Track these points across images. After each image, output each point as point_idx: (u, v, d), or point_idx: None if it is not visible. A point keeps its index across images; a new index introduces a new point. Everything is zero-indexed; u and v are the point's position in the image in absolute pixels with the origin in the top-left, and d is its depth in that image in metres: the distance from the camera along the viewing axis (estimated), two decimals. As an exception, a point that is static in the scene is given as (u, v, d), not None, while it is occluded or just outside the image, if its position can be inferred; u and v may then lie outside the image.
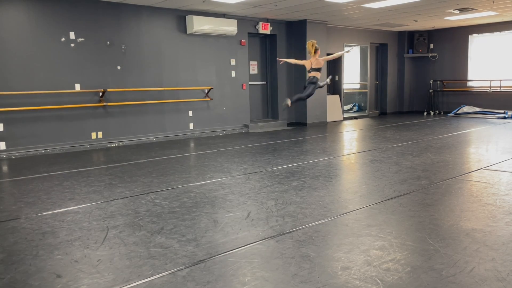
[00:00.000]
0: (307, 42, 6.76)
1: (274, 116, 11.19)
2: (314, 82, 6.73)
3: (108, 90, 8.05)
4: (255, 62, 10.88)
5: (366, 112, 13.40)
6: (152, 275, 2.60)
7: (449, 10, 9.95)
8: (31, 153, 7.33)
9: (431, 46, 13.70)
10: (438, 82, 13.66)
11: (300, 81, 11.04)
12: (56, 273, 2.68)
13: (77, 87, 7.78)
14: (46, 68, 7.42)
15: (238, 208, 3.94)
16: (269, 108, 11.29)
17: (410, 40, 13.89)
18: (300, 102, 11.12)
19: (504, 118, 11.45)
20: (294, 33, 11.05)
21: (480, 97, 12.78)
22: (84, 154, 7.40)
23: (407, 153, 6.57)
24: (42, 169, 6.05)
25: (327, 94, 11.77)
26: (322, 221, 3.50)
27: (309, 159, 6.36)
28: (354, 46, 12.82)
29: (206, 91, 9.54)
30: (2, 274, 2.69)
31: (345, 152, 7.18)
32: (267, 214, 3.74)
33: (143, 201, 4.27)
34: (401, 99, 14.24)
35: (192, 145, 8.24)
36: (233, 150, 7.41)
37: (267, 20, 10.48)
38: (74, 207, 4.11)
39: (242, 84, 10.25)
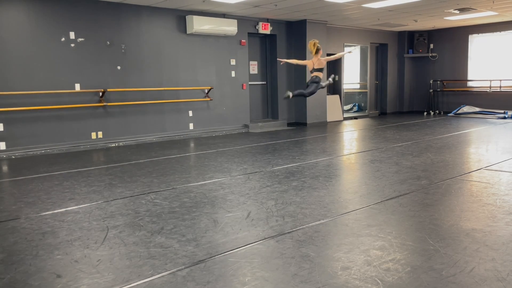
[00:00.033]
0: (309, 42, 6.74)
1: (274, 116, 11.19)
2: (316, 81, 6.72)
3: (108, 90, 8.05)
4: (255, 62, 10.88)
5: (366, 112, 13.40)
6: (152, 275, 2.60)
7: (449, 10, 9.95)
8: (31, 153, 7.33)
9: (431, 46, 13.70)
10: (438, 82, 13.66)
11: (300, 81, 11.04)
12: (56, 273, 2.68)
13: (77, 87, 7.78)
14: (46, 68, 7.42)
15: (238, 208, 3.94)
16: (269, 108, 11.29)
17: (410, 40, 13.89)
18: (300, 102, 11.15)
19: (504, 118, 11.45)
20: (294, 33, 11.05)
21: (480, 97, 12.79)
22: (84, 154, 7.40)
23: (407, 153, 6.57)
24: (42, 169, 6.05)
25: (327, 94, 11.77)
26: (322, 221, 3.50)
27: (309, 159, 6.36)
28: (355, 46, 12.84)
29: (206, 91, 9.54)
30: (2, 274, 2.69)
31: (345, 152, 7.18)
32: (267, 214, 3.74)
33: (143, 201, 4.27)
34: (401, 99, 14.24)
35: (192, 145, 8.24)
36: (233, 150, 7.41)
37: (267, 20, 10.48)
38: (74, 207, 4.11)
39: (242, 84, 10.25)
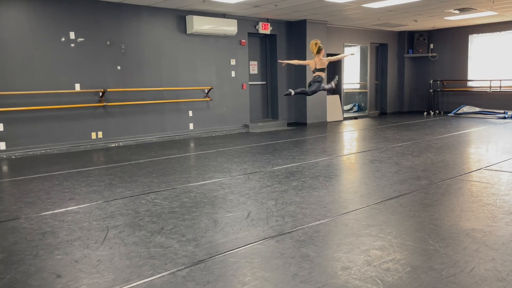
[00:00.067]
0: (310, 42, 6.73)
1: (274, 116, 11.19)
2: (319, 81, 6.70)
3: (108, 90, 8.05)
4: (255, 62, 10.88)
5: (366, 112, 13.40)
6: (152, 275, 2.60)
7: (449, 10, 9.95)
8: (31, 153, 7.33)
9: (431, 46, 13.70)
10: (438, 82, 13.66)
11: (301, 81, 11.04)
12: (56, 273, 2.68)
13: (77, 87, 7.78)
14: (46, 68, 7.42)
15: (238, 208, 3.94)
16: (269, 108, 11.29)
17: (410, 40, 13.89)
18: (300, 102, 11.14)
19: (504, 118, 11.45)
20: (294, 33, 11.05)
21: (480, 97, 12.79)
22: (84, 154, 7.40)
23: (407, 153, 6.57)
24: (42, 169, 6.05)
25: (327, 94, 11.77)
26: (322, 221, 3.50)
27: (309, 159, 6.36)
28: (356, 46, 12.84)
29: (206, 91, 9.54)
30: (2, 274, 2.69)
31: (345, 152, 7.18)
32: (267, 214, 3.74)
33: (143, 201, 4.27)
34: (401, 99, 14.24)
35: (192, 145, 8.24)
36: (233, 150, 7.41)
37: (267, 20, 10.48)
38: (74, 207, 4.11)
39: (242, 84, 10.25)
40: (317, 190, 4.50)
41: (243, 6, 8.79)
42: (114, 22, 8.14)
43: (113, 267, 2.72)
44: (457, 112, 12.66)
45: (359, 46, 12.92)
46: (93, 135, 8.03)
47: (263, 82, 11.09)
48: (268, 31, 10.47)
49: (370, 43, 13.03)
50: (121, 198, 4.38)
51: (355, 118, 12.79)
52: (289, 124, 11.19)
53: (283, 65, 7.54)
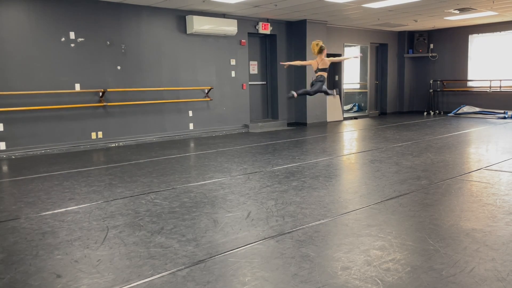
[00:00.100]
0: (312, 43, 6.73)
1: (274, 116, 11.19)
2: (321, 80, 6.70)
3: (108, 90, 8.05)
4: (255, 62, 10.88)
5: (366, 112, 13.40)
6: (152, 275, 2.60)
7: (449, 10, 9.95)
8: (31, 153, 7.33)
9: (431, 46, 13.70)
10: (438, 82, 13.66)
11: (300, 81, 11.05)
12: (56, 273, 2.68)
13: (77, 87, 7.78)
14: (46, 68, 7.42)
15: (238, 208, 3.94)
16: (269, 108, 11.29)
17: (410, 40, 13.89)
18: (301, 102, 11.14)
19: (504, 118, 11.45)
20: (294, 33, 11.05)
21: (480, 97, 12.79)
22: (84, 154, 7.40)
23: (407, 153, 6.57)
24: (42, 169, 6.05)
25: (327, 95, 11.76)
26: (322, 221, 3.50)
27: (309, 159, 6.36)
28: (356, 46, 12.84)
29: (206, 91, 9.54)
30: (2, 274, 2.69)
31: (345, 152, 7.18)
32: (267, 214, 3.74)
33: (143, 201, 4.27)
34: (401, 99, 14.24)
35: (192, 145, 8.24)
36: (233, 150, 7.41)
37: (267, 20, 10.48)
38: (74, 207, 4.11)
39: (242, 84, 10.25)
40: (317, 190, 4.50)
41: (243, 6, 8.79)
42: (114, 22, 8.14)
43: (113, 267, 2.72)
44: (457, 112, 12.66)
45: (359, 46, 12.92)
46: (93, 135, 8.03)
47: (263, 82, 11.09)
48: (268, 31, 10.47)
49: (370, 43, 13.03)
50: (121, 198, 4.38)
51: (355, 118, 12.79)
52: (289, 124, 11.19)
53: (285, 67, 7.56)
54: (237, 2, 8.36)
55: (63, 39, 7.58)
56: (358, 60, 13.18)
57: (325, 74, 6.76)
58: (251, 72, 10.74)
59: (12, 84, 7.09)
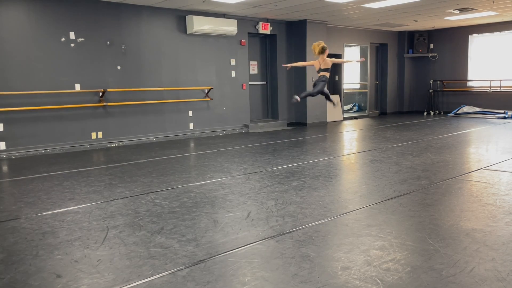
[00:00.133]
0: (314, 44, 6.74)
1: (274, 116, 11.19)
2: (323, 80, 6.70)
3: (108, 90, 8.05)
4: (255, 62, 10.88)
5: (366, 112, 13.40)
6: (152, 275, 2.60)
7: (449, 10, 9.95)
8: (31, 153, 7.33)
9: (431, 46, 13.71)
10: (438, 82, 13.66)
11: (300, 81, 11.05)
12: (56, 273, 2.68)
13: (77, 87, 7.78)
14: (46, 68, 7.42)
15: (238, 208, 3.94)
16: (269, 108, 11.29)
17: (410, 40, 13.89)
18: (301, 102, 11.12)
19: (504, 118, 11.45)
20: (294, 33, 11.05)
21: (480, 97, 12.79)
22: (84, 154, 7.40)
23: (407, 153, 6.57)
24: (42, 169, 6.05)
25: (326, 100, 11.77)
26: (322, 221, 3.50)
27: (309, 159, 6.36)
28: (356, 46, 12.84)
29: (206, 91, 9.54)
30: (2, 274, 2.69)
31: (345, 152, 7.18)
32: (267, 214, 3.74)
33: (143, 201, 4.27)
34: (401, 99, 14.25)
35: (192, 145, 8.24)
36: (233, 150, 7.41)
37: (267, 20, 10.48)
38: (74, 207, 4.11)
39: (242, 84, 10.25)
40: (317, 190, 4.50)
41: (243, 6, 8.79)
42: (114, 22, 8.14)
43: (113, 267, 2.72)
44: (457, 112, 12.66)
45: (359, 46, 12.92)
46: (93, 135, 8.03)
47: (263, 82, 11.09)
48: (268, 31, 10.47)
49: (370, 43, 13.03)
50: (121, 198, 4.38)
51: (355, 118, 12.78)
52: (289, 124, 11.19)
53: (287, 68, 7.58)
54: (237, 2, 8.36)
55: (63, 39, 7.58)
56: (355, 57, 13.17)
57: (327, 74, 6.77)
58: (251, 72, 10.74)
59: (12, 84, 7.09)
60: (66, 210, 4.03)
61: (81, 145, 7.87)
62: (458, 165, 5.70)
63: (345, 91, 12.61)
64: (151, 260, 2.81)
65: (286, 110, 11.23)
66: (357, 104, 13.93)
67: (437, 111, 13.69)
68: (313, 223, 3.45)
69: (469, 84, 13.13)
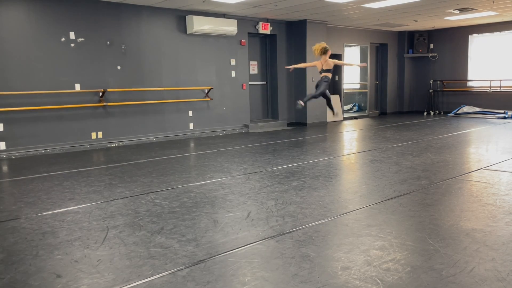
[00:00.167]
0: (316, 45, 6.75)
1: (274, 116, 11.19)
2: (326, 81, 6.71)
3: (108, 90, 8.05)
4: (255, 62, 10.88)
5: (366, 112, 13.40)
6: (152, 275, 2.60)
7: (449, 10, 9.95)
8: (31, 153, 7.33)
9: (431, 46, 13.71)
10: (438, 82, 13.66)
11: (300, 81, 11.05)
12: (56, 273, 2.68)
13: (77, 87, 7.78)
14: (46, 68, 7.42)
15: (238, 208, 3.94)
16: (269, 108, 11.29)
17: (410, 40, 13.89)
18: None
19: (504, 118, 11.45)
20: (294, 33, 11.05)
21: (480, 97, 12.79)
22: (84, 154, 7.40)
23: (407, 153, 6.57)
24: (42, 169, 6.05)
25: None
26: (322, 221, 3.50)
27: (309, 159, 6.36)
28: (356, 46, 12.84)
29: (206, 91, 9.54)
30: (2, 274, 2.69)
31: (345, 152, 7.18)
32: (267, 214, 3.74)
33: (143, 201, 4.27)
34: (401, 99, 14.25)
35: (192, 145, 8.24)
36: (233, 150, 7.41)
37: (267, 20, 10.48)
38: (74, 207, 4.11)
39: (242, 84, 10.25)
40: (317, 190, 4.50)
41: (243, 6, 8.79)
42: (114, 22, 8.14)
43: (113, 267, 2.72)
44: (457, 112, 12.66)
45: (359, 46, 12.93)
46: (93, 135, 8.03)
47: (263, 82, 11.09)
48: (268, 31, 10.47)
49: (370, 43, 13.03)
50: (121, 198, 4.38)
51: (355, 118, 12.79)
52: (289, 124, 11.19)
53: (290, 70, 7.60)
54: (237, 2, 8.36)
55: (63, 39, 7.58)
56: (355, 58, 13.17)
57: (329, 75, 6.78)
58: (251, 72, 10.74)
59: (12, 84, 7.09)
60: (66, 210, 4.03)
61: (81, 145, 7.87)
62: (458, 165, 5.70)
63: (345, 91, 12.61)
64: (151, 260, 2.81)
65: (286, 110, 11.23)
66: (357, 104, 13.93)
67: (437, 111, 13.69)
68: (313, 223, 3.45)
69: (469, 84, 13.13)
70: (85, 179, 5.32)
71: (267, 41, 11.00)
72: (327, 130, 10.08)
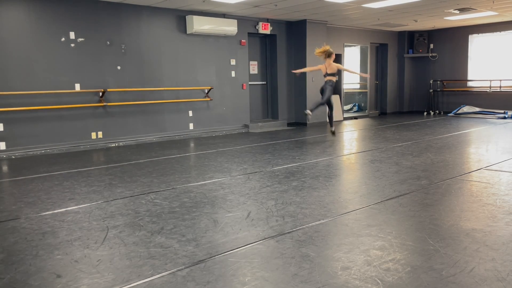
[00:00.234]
0: (321, 47, 6.77)
1: (274, 116, 11.19)
2: (331, 85, 6.71)
3: (108, 90, 8.05)
4: (255, 62, 10.88)
5: (366, 112, 13.40)
6: (152, 275, 2.60)
7: (449, 10, 9.95)
8: (31, 153, 7.33)
9: (431, 46, 13.71)
10: (438, 82, 13.66)
11: (300, 81, 11.04)
12: (56, 273, 2.68)
13: (77, 87, 7.78)
14: (46, 68, 7.42)
15: (238, 208, 3.94)
16: (269, 108, 11.29)
17: (410, 40, 13.89)
18: (300, 102, 11.14)
19: (504, 118, 11.45)
20: (294, 33, 11.05)
21: (480, 97, 12.79)
22: (84, 154, 7.40)
23: (407, 153, 6.57)
24: (42, 169, 6.05)
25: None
26: (322, 221, 3.50)
27: (309, 159, 6.36)
28: (356, 46, 12.84)
29: (206, 91, 9.54)
30: (2, 274, 2.69)
31: (345, 152, 7.18)
32: (267, 214, 3.74)
33: (143, 201, 4.27)
34: (401, 99, 14.25)
35: (192, 145, 8.24)
36: (233, 150, 7.41)
37: (267, 20, 10.48)
38: (74, 207, 4.11)
39: (242, 84, 10.25)
40: (317, 190, 4.50)
41: (243, 6, 8.79)
42: (114, 22, 8.14)
43: (113, 267, 2.72)
44: (457, 112, 12.66)
45: (359, 46, 12.92)
46: (93, 135, 8.03)
47: (263, 82, 11.09)
48: (268, 31, 10.47)
49: (370, 43, 13.03)
50: (121, 198, 4.38)
51: (355, 118, 12.79)
52: (289, 124, 11.19)
53: (297, 75, 7.64)
54: (237, 2, 8.36)
55: (63, 39, 7.58)
56: (355, 58, 13.15)
57: (334, 79, 6.77)
58: (251, 72, 10.74)
59: (12, 84, 7.09)
60: (66, 210, 4.03)
61: (81, 145, 7.87)
62: (458, 165, 5.70)
63: (345, 91, 12.61)
64: (151, 260, 2.81)
65: (286, 110, 11.23)
66: (357, 104, 13.93)
67: (437, 111, 13.69)
68: (313, 223, 3.45)
69: (469, 84, 13.13)
70: (85, 179, 5.32)
71: (267, 41, 11.00)
72: (327, 130, 10.08)
